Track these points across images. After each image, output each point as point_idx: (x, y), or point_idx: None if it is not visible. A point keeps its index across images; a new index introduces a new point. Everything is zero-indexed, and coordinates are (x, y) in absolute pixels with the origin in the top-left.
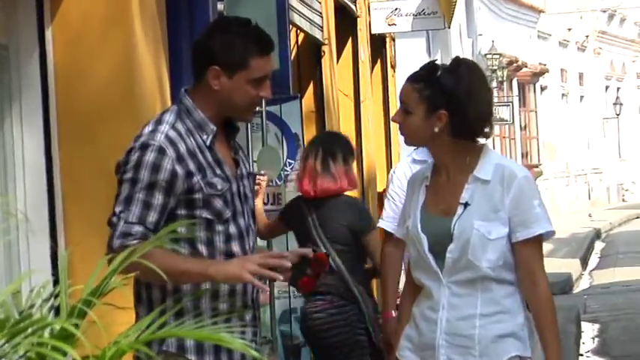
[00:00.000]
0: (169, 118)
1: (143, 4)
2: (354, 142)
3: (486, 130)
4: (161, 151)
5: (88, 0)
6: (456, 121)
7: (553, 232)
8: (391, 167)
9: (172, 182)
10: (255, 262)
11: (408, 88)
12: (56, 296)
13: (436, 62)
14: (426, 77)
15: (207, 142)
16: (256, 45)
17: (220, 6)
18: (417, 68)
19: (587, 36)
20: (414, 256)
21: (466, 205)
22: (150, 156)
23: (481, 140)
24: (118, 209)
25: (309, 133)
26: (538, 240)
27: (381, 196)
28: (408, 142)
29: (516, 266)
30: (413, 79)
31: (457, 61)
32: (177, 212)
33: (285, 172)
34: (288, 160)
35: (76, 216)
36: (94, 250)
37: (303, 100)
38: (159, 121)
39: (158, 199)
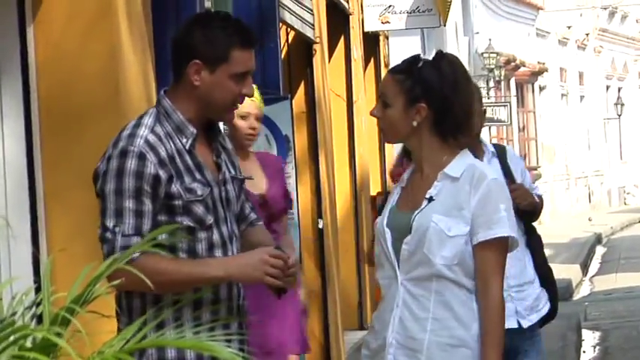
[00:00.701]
0: (148, 121)
1: (128, 2)
2: (345, 144)
3: (469, 128)
4: (142, 156)
5: None
6: (439, 117)
7: (515, 239)
8: (385, 170)
9: (156, 187)
10: (275, 266)
11: (388, 79)
12: (38, 304)
13: (418, 55)
14: (407, 69)
15: (187, 146)
16: (238, 37)
17: (208, 3)
18: None
19: (587, 34)
20: (377, 254)
21: (430, 199)
22: (131, 163)
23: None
24: (110, 224)
25: (300, 134)
26: (498, 244)
27: (374, 200)
28: (387, 138)
29: (474, 271)
30: (393, 70)
31: (439, 55)
32: (158, 218)
33: None
34: None
35: (58, 220)
36: (78, 255)
37: (293, 101)
38: (137, 125)
39: (147, 205)
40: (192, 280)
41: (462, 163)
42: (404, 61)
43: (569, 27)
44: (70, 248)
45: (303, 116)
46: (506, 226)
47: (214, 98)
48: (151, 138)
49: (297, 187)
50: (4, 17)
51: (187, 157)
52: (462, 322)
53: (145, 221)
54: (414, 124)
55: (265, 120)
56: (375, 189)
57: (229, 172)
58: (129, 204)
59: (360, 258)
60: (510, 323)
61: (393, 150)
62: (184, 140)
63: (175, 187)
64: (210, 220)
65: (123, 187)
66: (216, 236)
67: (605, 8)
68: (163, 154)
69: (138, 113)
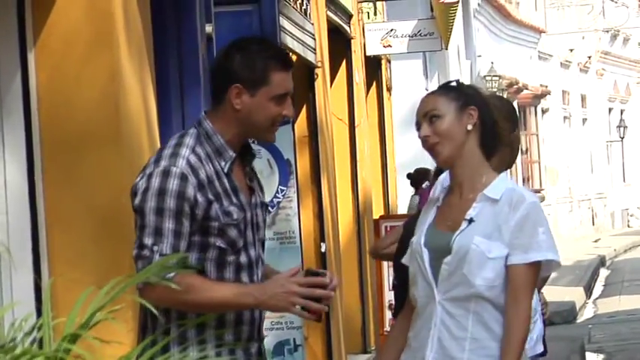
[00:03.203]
0: (189, 141)
1: (129, 27)
2: (348, 168)
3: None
4: (184, 177)
5: (72, 23)
6: (485, 127)
7: (557, 262)
8: (387, 194)
9: (194, 209)
10: (302, 295)
11: (434, 96)
12: (39, 329)
13: (457, 80)
14: (449, 87)
15: (225, 169)
16: (276, 60)
17: (209, 28)
18: (413, 91)
19: (589, 57)
20: (412, 272)
21: (470, 221)
22: (173, 183)
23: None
24: (148, 242)
25: (302, 158)
26: (533, 267)
27: (377, 224)
28: (440, 155)
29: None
30: (437, 90)
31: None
32: (192, 239)
33: (277, 199)
34: (280, 187)
35: (60, 246)
36: (79, 281)
37: (295, 125)
38: (179, 145)
39: (186, 226)
40: (223, 304)
41: (501, 185)
42: (442, 84)
43: (571, 50)
44: (72, 274)
45: (305, 140)
46: (542, 249)
47: (255, 120)
48: (192, 159)
49: (299, 211)
50: (5, 42)
51: (225, 180)
52: (500, 342)
53: (182, 242)
54: (469, 127)
55: (267, 144)
56: (377, 213)
57: (259, 196)
58: (169, 224)
59: (363, 282)
60: (540, 347)
61: (396, 174)
62: (223, 163)
63: (214, 210)
64: (241, 243)
65: (164, 206)
66: (244, 259)
67: (607, 31)
68: (203, 175)
69: (139, 139)
